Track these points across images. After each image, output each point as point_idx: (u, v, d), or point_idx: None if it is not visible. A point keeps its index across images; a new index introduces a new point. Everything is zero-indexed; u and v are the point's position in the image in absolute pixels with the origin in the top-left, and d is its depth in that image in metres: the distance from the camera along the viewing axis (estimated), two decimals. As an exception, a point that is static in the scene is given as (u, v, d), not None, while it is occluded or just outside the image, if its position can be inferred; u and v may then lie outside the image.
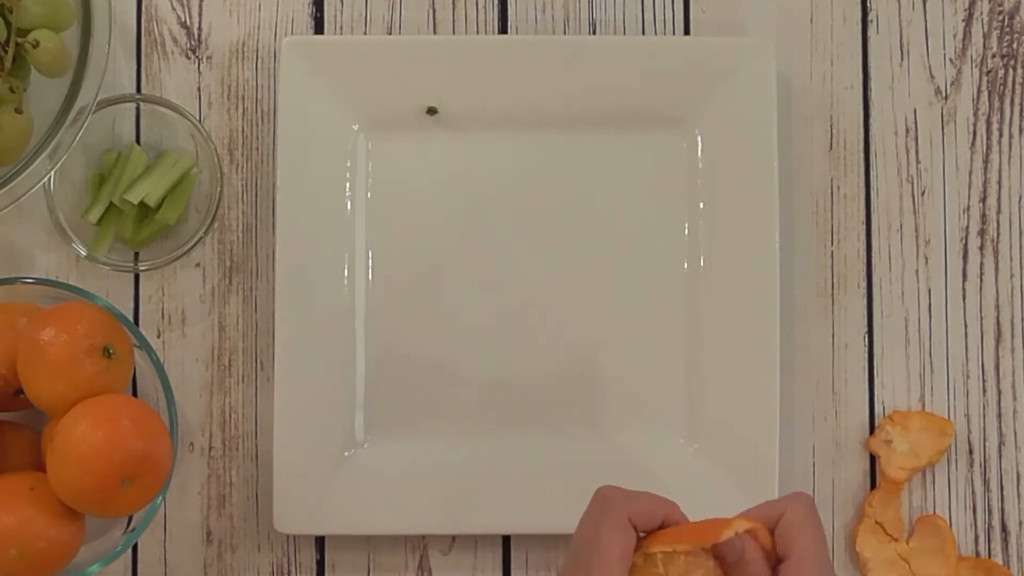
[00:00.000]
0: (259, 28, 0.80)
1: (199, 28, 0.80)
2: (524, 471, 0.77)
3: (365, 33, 0.80)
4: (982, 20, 0.81)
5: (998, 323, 0.80)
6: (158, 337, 0.78)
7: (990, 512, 0.79)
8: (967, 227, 0.80)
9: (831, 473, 0.79)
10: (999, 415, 0.79)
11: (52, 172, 0.73)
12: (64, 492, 0.67)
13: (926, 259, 0.80)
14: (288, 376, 0.75)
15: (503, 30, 0.80)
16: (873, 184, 0.80)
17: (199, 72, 0.80)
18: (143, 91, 0.79)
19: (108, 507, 0.67)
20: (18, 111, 0.71)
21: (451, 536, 0.78)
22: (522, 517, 0.76)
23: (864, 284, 0.80)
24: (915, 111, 0.80)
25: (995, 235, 0.80)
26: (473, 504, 0.76)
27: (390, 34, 0.80)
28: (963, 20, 0.81)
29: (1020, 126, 0.80)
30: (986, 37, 0.81)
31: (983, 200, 0.80)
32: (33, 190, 0.72)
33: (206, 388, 0.78)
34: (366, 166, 0.79)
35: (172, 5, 0.80)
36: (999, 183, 0.80)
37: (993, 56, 0.81)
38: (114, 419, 0.66)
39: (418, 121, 0.78)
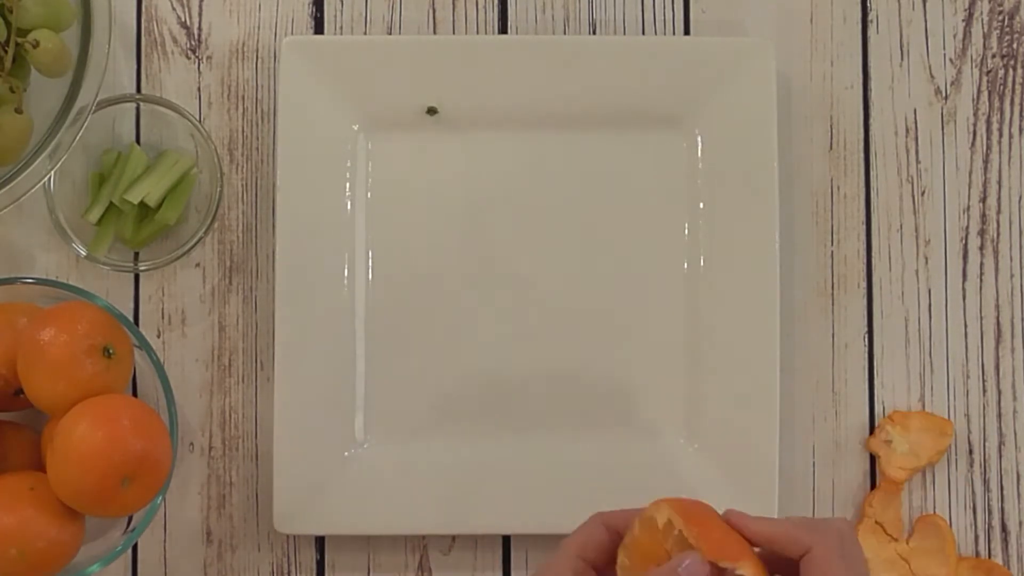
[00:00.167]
0: (259, 28, 0.80)
1: (199, 28, 0.80)
2: (524, 471, 0.77)
3: (365, 33, 0.80)
4: (982, 20, 0.81)
5: (998, 323, 0.80)
6: (158, 337, 0.78)
7: (990, 512, 0.79)
8: (967, 227, 0.80)
9: (831, 473, 0.79)
10: (999, 415, 0.79)
11: (52, 172, 0.73)
12: (64, 492, 0.67)
13: (926, 259, 0.80)
14: (288, 376, 0.75)
15: (503, 30, 0.80)
16: (873, 184, 0.80)
17: (199, 72, 0.80)
18: (143, 91, 0.79)
19: (108, 507, 0.67)
20: (18, 111, 0.71)
21: (451, 536, 0.78)
22: (522, 517, 0.76)
23: (864, 284, 0.80)
24: (915, 111, 0.80)
25: (995, 235, 0.80)
26: (473, 504, 0.76)
27: (390, 34, 0.80)
28: (963, 20, 0.81)
29: (1020, 126, 0.80)
30: (986, 37, 0.81)
31: (983, 200, 0.80)
32: (33, 190, 0.72)
33: (206, 388, 0.78)
34: (366, 166, 0.79)
35: (172, 5, 0.80)
36: (999, 183, 0.80)
37: (993, 56, 0.81)
38: (114, 419, 0.67)
39: (418, 121, 0.78)
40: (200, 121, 0.79)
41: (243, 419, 0.78)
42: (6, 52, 0.70)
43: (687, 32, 0.80)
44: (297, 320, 0.76)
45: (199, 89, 0.79)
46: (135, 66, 0.79)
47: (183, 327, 0.78)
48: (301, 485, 0.75)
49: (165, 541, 0.78)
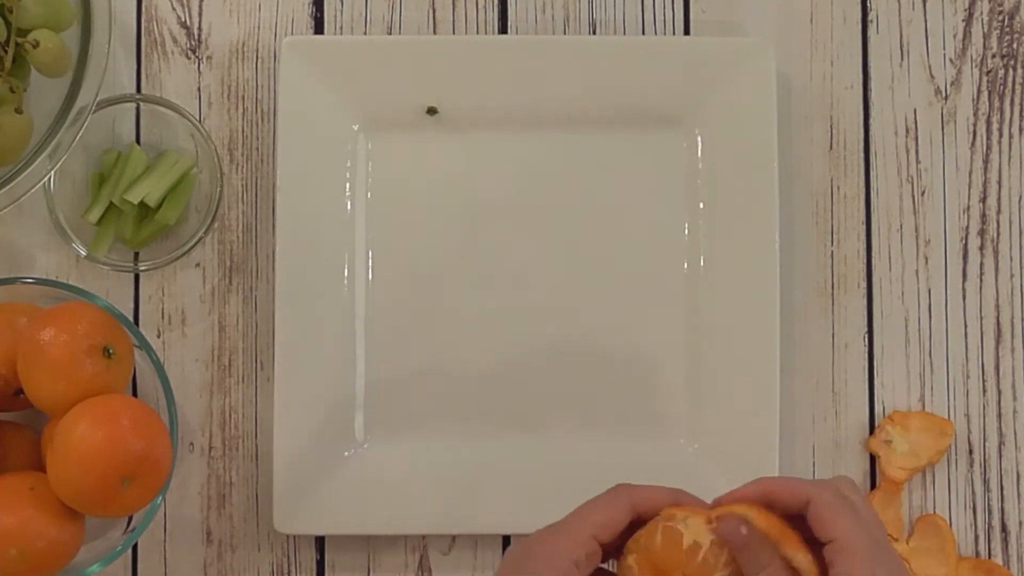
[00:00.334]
0: (259, 28, 0.80)
1: (199, 28, 0.80)
2: (524, 471, 0.77)
3: (365, 33, 0.80)
4: (982, 20, 0.81)
5: (998, 323, 0.80)
6: (158, 337, 0.78)
7: (990, 512, 0.79)
8: (967, 227, 0.80)
9: (831, 473, 0.79)
10: (999, 415, 0.79)
11: (52, 172, 0.73)
12: (64, 492, 0.67)
13: (926, 259, 0.80)
14: (288, 376, 0.75)
15: (503, 30, 0.80)
16: (873, 184, 0.80)
17: (199, 72, 0.80)
18: (143, 91, 0.79)
19: (108, 507, 0.67)
20: (18, 111, 0.71)
21: (451, 536, 0.78)
22: (522, 517, 0.76)
23: (864, 284, 0.80)
24: (915, 111, 0.80)
25: (995, 235, 0.80)
26: (473, 504, 0.76)
27: (390, 34, 0.80)
28: (963, 20, 0.81)
29: (1020, 126, 0.80)
30: (986, 37, 0.81)
31: (983, 200, 0.80)
32: (33, 190, 0.72)
33: (206, 388, 0.78)
34: (366, 166, 0.79)
35: (172, 5, 0.80)
36: (999, 183, 0.80)
37: (993, 56, 0.81)
38: (114, 419, 0.66)
39: (418, 121, 0.78)
40: (200, 121, 0.79)
41: (243, 419, 0.78)
42: (6, 52, 0.70)
43: (687, 32, 0.80)
44: (297, 320, 0.76)
45: (199, 89, 0.79)
46: (135, 66, 0.79)
47: (183, 327, 0.78)
48: (301, 485, 0.75)
49: (165, 541, 0.78)
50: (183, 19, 0.80)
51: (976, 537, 0.79)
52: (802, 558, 0.54)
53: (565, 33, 0.80)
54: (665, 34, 0.80)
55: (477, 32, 0.80)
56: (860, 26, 0.81)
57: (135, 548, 0.78)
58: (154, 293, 0.78)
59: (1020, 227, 0.80)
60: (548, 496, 0.76)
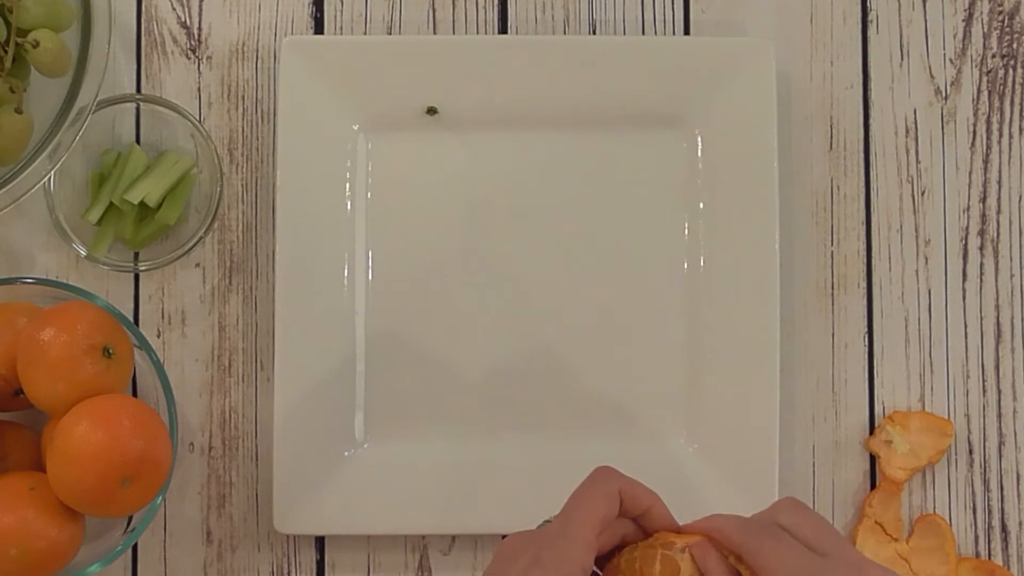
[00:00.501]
0: (259, 28, 0.80)
1: (199, 28, 0.80)
2: (524, 471, 0.77)
3: (365, 33, 0.80)
4: (982, 20, 0.81)
5: (998, 323, 0.80)
6: (158, 337, 0.78)
7: (990, 512, 0.79)
8: (967, 227, 0.80)
9: (831, 473, 0.79)
10: (999, 415, 0.79)
11: (52, 172, 0.73)
12: (64, 492, 0.67)
13: (926, 259, 0.80)
14: (288, 376, 0.75)
15: (503, 30, 0.80)
16: (873, 184, 0.80)
17: (199, 72, 0.80)
18: (143, 91, 0.79)
19: (108, 507, 0.67)
20: (18, 111, 0.71)
21: (451, 536, 0.78)
22: (522, 517, 0.76)
23: (864, 284, 0.80)
24: (915, 111, 0.80)
25: (995, 235, 0.80)
26: (473, 504, 0.76)
27: (390, 34, 0.80)
28: (963, 20, 0.81)
29: (1020, 126, 0.80)
30: (986, 37, 0.81)
31: (983, 200, 0.80)
32: (33, 190, 0.72)
33: (206, 388, 0.78)
34: (366, 166, 0.79)
35: (172, 5, 0.80)
36: (999, 183, 0.80)
37: (993, 56, 0.81)
38: (114, 419, 0.67)
39: (418, 121, 0.78)
40: (200, 121, 0.79)
41: (243, 419, 0.78)
42: (6, 52, 0.70)
43: (687, 32, 0.80)
44: (297, 320, 0.76)
45: (199, 89, 0.79)
46: (135, 66, 0.79)
47: (183, 327, 0.78)
48: (301, 485, 0.75)
49: (165, 541, 0.78)
50: (183, 19, 0.80)
51: (976, 537, 0.79)
52: None
53: (565, 33, 0.80)
54: (665, 34, 0.80)
55: (477, 32, 0.80)
56: (860, 26, 0.81)
57: (135, 548, 0.78)
58: (154, 293, 0.78)
59: (1020, 227, 0.80)
60: (548, 496, 0.76)
